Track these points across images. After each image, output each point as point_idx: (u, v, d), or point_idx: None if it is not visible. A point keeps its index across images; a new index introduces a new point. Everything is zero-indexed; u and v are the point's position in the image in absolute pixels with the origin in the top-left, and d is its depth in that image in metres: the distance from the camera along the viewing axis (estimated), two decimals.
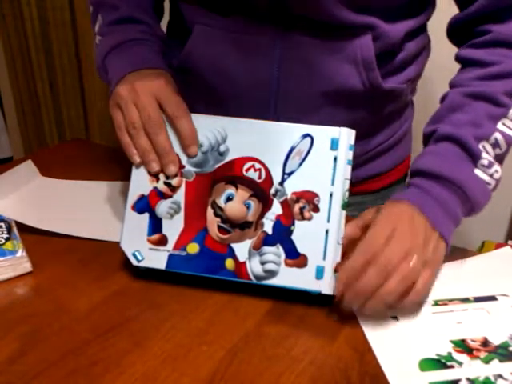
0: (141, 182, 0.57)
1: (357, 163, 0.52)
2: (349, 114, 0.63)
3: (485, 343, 0.49)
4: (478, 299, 0.55)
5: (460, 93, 0.57)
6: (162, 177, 0.57)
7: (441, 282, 0.58)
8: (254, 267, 0.54)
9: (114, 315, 0.52)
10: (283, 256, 0.53)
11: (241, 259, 0.54)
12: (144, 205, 0.57)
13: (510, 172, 1.20)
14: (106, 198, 0.73)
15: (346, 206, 0.53)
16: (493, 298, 0.55)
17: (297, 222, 0.54)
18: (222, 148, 0.56)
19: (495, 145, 0.55)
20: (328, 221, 0.53)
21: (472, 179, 0.54)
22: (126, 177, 0.75)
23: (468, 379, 0.44)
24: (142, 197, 0.57)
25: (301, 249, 0.53)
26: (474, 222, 1.28)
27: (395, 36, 0.60)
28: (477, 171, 0.54)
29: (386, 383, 0.44)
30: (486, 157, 0.55)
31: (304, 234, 0.53)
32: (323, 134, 0.54)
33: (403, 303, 0.50)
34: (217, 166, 0.56)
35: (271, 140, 0.55)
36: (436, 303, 0.54)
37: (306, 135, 0.54)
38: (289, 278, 0.53)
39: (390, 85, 0.63)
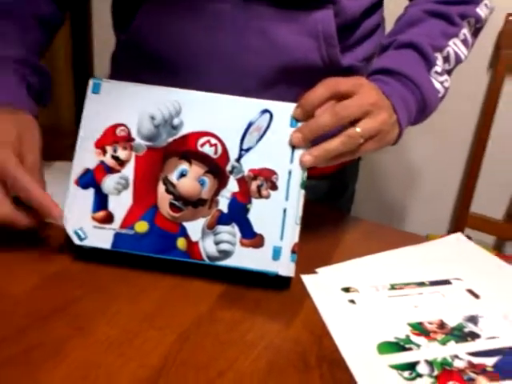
0: (86, 155, 0.52)
1: (313, 145, 0.51)
2: (306, 91, 0.61)
3: (441, 325, 0.48)
4: (433, 283, 0.55)
5: (418, 10, 0.61)
6: (109, 150, 0.52)
7: (396, 267, 0.57)
8: (208, 247, 0.51)
9: (52, 299, 0.47)
10: (239, 236, 0.51)
11: (193, 239, 0.51)
12: (89, 179, 0.52)
13: (453, 167, 1.25)
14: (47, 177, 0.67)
15: (304, 185, 0.51)
16: (447, 282, 0.55)
17: (254, 201, 0.51)
18: (175, 121, 0.52)
19: (446, 59, 0.59)
20: (286, 199, 0.51)
21: (427, 81, 0.57)
22: (62, 156, 0.70)
23: (426, 361, 0.44)
24: (87, 171, 0.52)
25: (257, 228, 0.51)
26: (419, 215, 1.33)
27: (355, 11, 0.60)
28: (431, 76, 0.58)
29: (345, 367, 0.43)
30: (439, 64, 0.58)
31: (261, 213, 0.51)
32: (283, 110, 0.51)
33: (339, 158, 0.51)
34: (170, 140, 0.52)
35: (228, 115, 0.52)
36: (392, 287, 0.53)
37: (265, 111, 0.51)
38: (244, 258, 0.50)
39: (348, 61, 0.62)
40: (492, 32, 1.10)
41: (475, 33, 0.64)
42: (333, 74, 0.61)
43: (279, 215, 0.51)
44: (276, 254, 0.50)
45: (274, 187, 0.51)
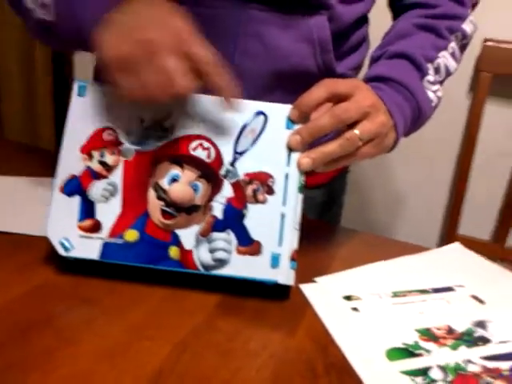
0: (71, 161, 0.50)
1: (309, 149, 0.49)
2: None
3: (450, 331, 0.46)
4: (436, 290, 0.53)
5: (408, 23, 0.62)
6: (96, 155, 0.50)
7: (397, 275, 0.55)
8: (202, 256, 0.48)
9: (35, 312, 0.43)
10: (235, 243, 0.48)
11: (187, 247, 0.48)
12: (75, 186, 0.49)
13: (439, 191, 1.25)
14: (25, 192, 0.64)
15: (302, 189, 0.50)
16: (450, 289, 0.53)
17: (249, 206, 0.49)
18: (166, 124, 0.50)
19: (437, 70, 0.59)
20: (284, 204, 0.49)
21: (421, 89, 0.57)
22: (44, 173, 0.67)
23: (439, 366, 0.41)
24: (73, 177, 0.50)
25: (254, 235, 0.48)
26: (406, 238, 1.32)
27: (348, 19, 0.60)
28: (424, 84, 0.58)
29: (354, 375, 0.40)
30: (432, 74, 0.58)
31: (258, 219, 0.48)
32: (278, 111, 0.50)
33: (337, 163, 0.50)
34: (160, 143, 0.50)
35: (221, 117, 0.50)
36: (395, 295, 0.51)
37: (260, 113, 0.50)
38: (241, 267, 0.48)
39: (340, 69, 0.62)
40: (470, 57, 1.14)
41: (462, 48, 0.65)
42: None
43: (277, 221, 0.48)
44: (274, 261, 0.48)
45: (270, 191, 0.49)
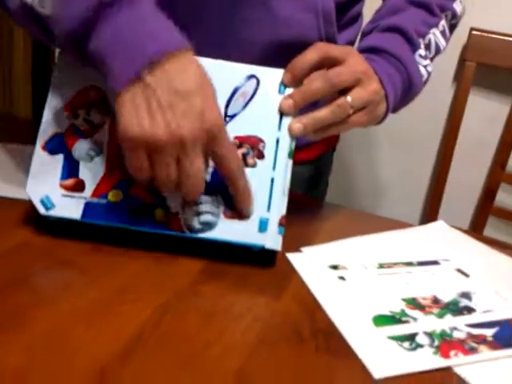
0: (55, 118, 0.48)
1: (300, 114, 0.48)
2: None
3: (435, 300, 0.46)
4: (421, 263, 0.52)
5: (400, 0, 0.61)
6: (81, 113, 0.48)
7: (383, 248, 0.55)
8: (189, 218, 0.47)
9: (11, 271, 0.42)
10: (222, 207, 0.47)
11: (173, 209, 0.47)
12: (58, 144, 0.48)
13: (426, 164, 1.26)
14: (1, 158, 0.61)
15: (292, 154, 0.49)
16: (435, 263, 0.53)
17: None
18: None
19: (427, 46, 0.59)
20: (273, 169, 0.48)
21: (413, 62, 0.57)
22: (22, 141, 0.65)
23: (425, 332, 0.41)
24: (56, 135, 0.48)
25: None
26: (390, 208, 1.32)
27: None
28: (415, 58, 0.57)
29: (341, 339, 0.39)
30: (422, 49, 0.58)
31: None
32: (270, 75, 0.49)
33: (327, 130, 0.49)
34: None
35: (213, 79, 0.47)
36: (381, 266, 0.51)
37: (252, 76, 0.49)
38: (228, 230, 0.47)
39: (340, 43, 0.61)
40: (456, 46, 1.14)
41: (451, 28, 0.65)
42: None
43: (266, 185, 0.47)
44: (263, 225, 0.47)
45: (260, 156, 0.48)
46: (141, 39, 0.40)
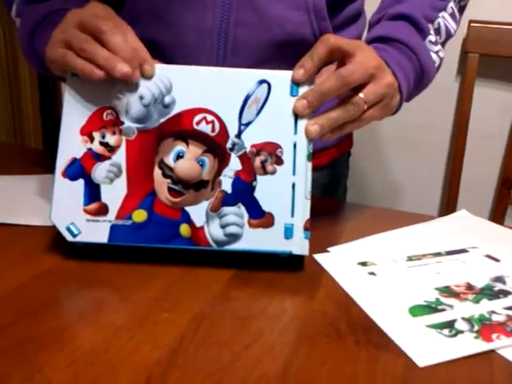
0: (71, 144, 0.48)
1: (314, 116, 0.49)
2: None
3: (469, 287, 0.45)
4: (449, 252, 0.52)
5: None
6: (96, 136, 0.48)
7: (410, 241, 0.55)
8: (214, 231, 0.47)
9: (45, 293, 0.42)
10: (246, 216, 0.47)
11: (198, 224, 0.47)
12: (77, 170, 0.48)
13: (438, 160, 1.26)
14: (17, 189, 0.63)
15: (311, 157, 0.48)
16: (464, 251, 0.53)
17: (259, 177, 0.47)
18: (166, 100, 0.48)
19: (437, 31, 0.58)
20: (294, 173, 0.47)
21: (424, 49, 0.55)
22: (34, 171, 0.66)
23: (463, 318, 0.40)
24: (74, 160, 0.48)
25: (266, 207, 0.47)
26: (407, 207, 1.32)
27: None
28: (426, 45, 0.56)
29: (380, 332, 0.39)
30: (432, 34, 0.57)
31: (268, 190, 0.47)
32: (281, 78, 0.48)
33: (343, 128, 0.49)
34: (162, 120, 0.48)
35: (223, 88, 0.48)
36: (410, 258, 0.51)
37: (262, 81, 0.48)
38: (254, 240, 0.47)
39: None
40: (457, 40, 1.15)
41: (460, 10, 0.63)
42: None
43: (288, 191, 0.47)
44: (288, 232, 0.47)
45: (279, 162, 0.48)
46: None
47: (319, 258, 0.50)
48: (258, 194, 0.47)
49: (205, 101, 0.48)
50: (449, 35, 0.60)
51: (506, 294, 0.44)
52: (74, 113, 0.49)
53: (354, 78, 0.47)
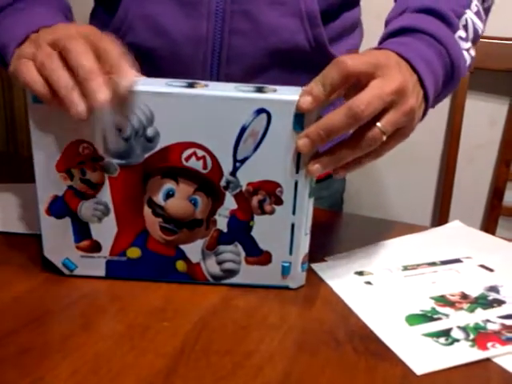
0: (49, 180, 0.44)
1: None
2: (295, 78, 0.54)
3: (464, 296, 0.46)
4: (444, 262, 0.53)
5: None
6: (76, 173, 0.43)
7: (405, 250, 0.56)
8: (211, 267, 0.46)
9: (46, 302, 0.42)
10: (243, 254, 0.45)
11: (194, 260, 0.46)
12: (61, 208, 0.44)
13: (430, 172, 1.28)
14: (11, 197, 0.63)
15: (313, 193, 0.44)
16: (458, 261, 0.53)
17: (256, 217, 0.44)
18: (149, 132, 0.42)
19: (465, 27, 0.50)
20: (293, 213, 0.44)
21: (454, 41, 0.47)
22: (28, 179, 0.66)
23: (459, 327, 0.41)
24: (56, 198, 0.44)
25: (263, 245, 0.45)
26: (400, 218, 1.33)
27: None
28: (456, 39, 0.48)
29: (378, 340, 0.40)
30: (462, 29, 0.49)
31: (266, 230, 0.44)
32: (282, 107, 0.41)
33: (359, 165, 0.43)
34: (146, 155, 0.42)
35: (213, 119, 0.41)
36: (405, 268, 0.51)
37: (261, 110, 0.41)
38: (251, 276, 0.46)
39: (336, 53, 0.61)
40: None
41: (485, 11, 0.56)
42: (321, 58, 0.58)
43: (287, 231, 0.44)
44: (285, 270, 0.46)
45: (278, 202, 0.44)
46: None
47: (317, 267, 0.51)
48: (255, 233, 0.45)
49: (193, 134, 0.42)
50: (476, 35, 0.51)
51: (499, 303, 0.45)
52: (45, 147, 0.43)
53: (368, 112, 0.39)
